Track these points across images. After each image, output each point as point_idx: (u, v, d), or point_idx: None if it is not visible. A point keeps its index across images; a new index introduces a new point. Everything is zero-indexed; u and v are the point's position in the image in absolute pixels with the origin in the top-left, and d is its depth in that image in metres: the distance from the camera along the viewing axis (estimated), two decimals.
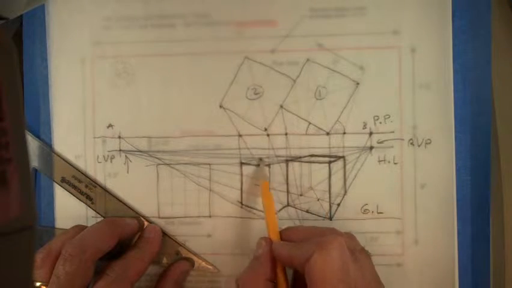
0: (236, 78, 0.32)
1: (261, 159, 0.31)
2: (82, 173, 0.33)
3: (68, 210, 0.33)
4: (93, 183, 0.33)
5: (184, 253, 0.32)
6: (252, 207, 0.32)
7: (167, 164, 0.32)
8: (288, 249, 0.26)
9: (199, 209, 0.32)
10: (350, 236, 0.28)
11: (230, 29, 0.32)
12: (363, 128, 0.31)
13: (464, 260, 0.31)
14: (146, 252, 0.30)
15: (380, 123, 0.31)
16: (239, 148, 0.32)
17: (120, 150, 0.33)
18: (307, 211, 0.32)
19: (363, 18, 0.31)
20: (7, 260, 0.14)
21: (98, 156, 0.33)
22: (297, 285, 0.27)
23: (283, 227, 0.29)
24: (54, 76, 0.33)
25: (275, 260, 0.27)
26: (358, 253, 0.25)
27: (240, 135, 0.32)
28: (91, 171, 0.33)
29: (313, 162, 0.32)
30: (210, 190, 0.32)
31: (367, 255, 0.26)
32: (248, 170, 0.32)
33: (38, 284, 0.26)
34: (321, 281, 0.23)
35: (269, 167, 0.32)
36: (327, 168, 0.31)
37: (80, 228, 0.30)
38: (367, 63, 0.31)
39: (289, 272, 0.28)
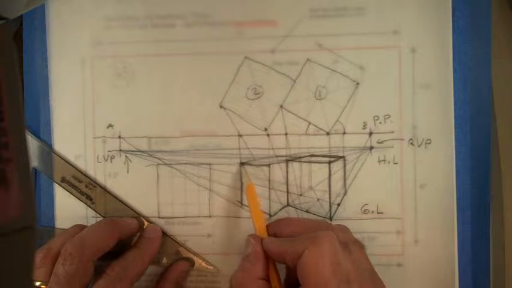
0: (236, 78, 0.32)
1: (241, 163, 0.31)
2: (82, 173, 0.33)
3: (68, 210, 0.33)
4: (93, 183, 0.33)
5: (184, 253, 0.32)
6: None
7: (167, 164, 0.32)
8: (280, 245, 0.26)
9: (199, 209, 0.32)
10: (342, 229, 0.28)
11: (230, 29, 0.32)
12: (363, 128, 0.31)
13: (464, 260, 0.31)
14: (146, 252, 0.30)
15: (380, 123, 0.31)
16: (239, 148, 0.32)
17: (120, 150, 0.33)
18: (307, 211, 0.32)
19: (363, 18, 0.31)
20: (7, 260, 0.14)
21: (98, 156, 0.33)
22: (290, 281, 0.27)
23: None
24: (54, 76, 0.33)
25: (266, 258, 0.27)
26: (351, 245, 0.25)
27: (240, 135, 0.32)
28: (91, 171, 0.33)
29: (313, 162, 0.32)
30: (210, 190, 0.32)
31: (360, 246, 0.26)
32: (248, 170, 0.32)
33: (37, 283, 0.26)
34: (314, 276, 0.23)
35: (269, 167, 0.32)
36: (327, 168, 0.31)
37: (79, 228, 0.30)
38: (367, 63, 0.31)
39: (281, 268, 0.28)
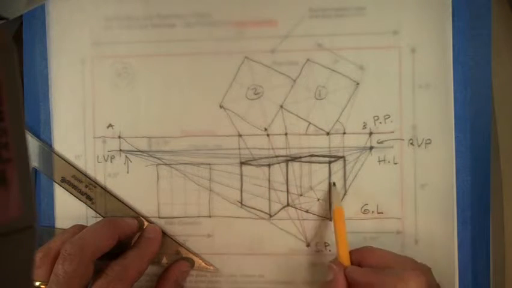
0: (236, 78, 0.32)
1: (334, 183, 0.31)
2: (82, 173, 0.33)
3: (68, 210, 0.33)
4: (93, 183, 0.33)
5: (184, 253, 0.32)
6: (251, 207, 0.32)
7: (167, 164, 0.32)
8: (365, 276, 0.26)
9: (199, 209, 0.32)
10: (427, 271, 0.27)
11: (230, 29, 0.32)
12: (363, 128, 0.31)
13: (464, 260, 0.31)
14: (146, 252, 0.30)
15: (380, 123, 0.31)
16: (239, 148, 0.32)
17: (120, 150, 0.33)
18: (307, 211, 0.32)
19: (363, 18, 0.31)
20: (7, 260, 0.14)
21: (98, 156, 0.33)
22: None
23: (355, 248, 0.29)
24: (54, 76, 0.33)
25: (347, 286, 0.27)
26: None
27: (240, 135, 0.32)
28: (91, 171, 0.33)
29: (313, 162, 0.32)
30: (210, 190, 0.32)
31: None
32: (248, 170, 0.32)
33: (37, 283, 0.26)
34: None
35: (269, 167, 0.32)
36: (327, 168, 0.31)
37: (79, 228, 0.30)
38: (367, 63, 0.31)
39: None
